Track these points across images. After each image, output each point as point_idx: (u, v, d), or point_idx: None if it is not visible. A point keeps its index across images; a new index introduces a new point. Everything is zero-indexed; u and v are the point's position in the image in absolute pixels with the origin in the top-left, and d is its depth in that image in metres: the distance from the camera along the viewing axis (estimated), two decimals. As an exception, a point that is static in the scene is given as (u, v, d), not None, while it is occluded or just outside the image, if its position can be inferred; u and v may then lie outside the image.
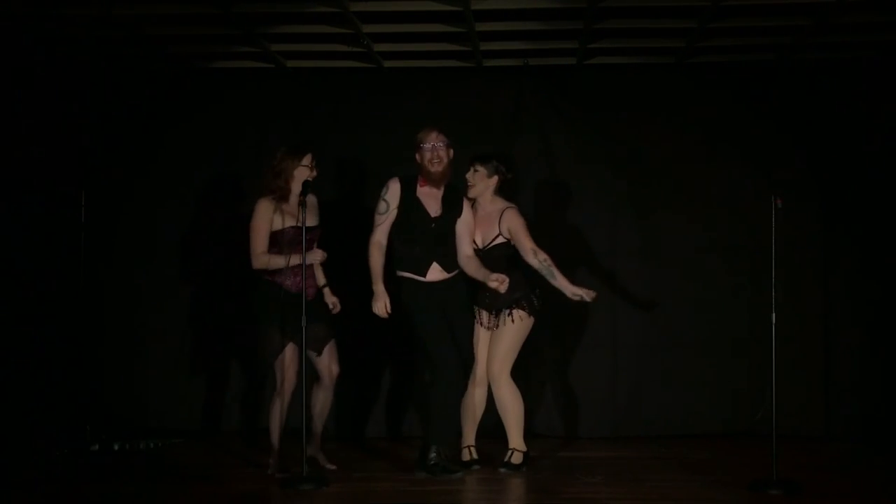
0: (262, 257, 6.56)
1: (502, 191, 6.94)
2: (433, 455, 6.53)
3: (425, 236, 6.63)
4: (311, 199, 6.62)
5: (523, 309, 6.79)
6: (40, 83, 7.85)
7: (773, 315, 6.16)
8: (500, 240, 6.81)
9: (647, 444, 7.75)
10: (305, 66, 8.24)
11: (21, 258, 7.61)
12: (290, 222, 6.55)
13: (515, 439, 6.84)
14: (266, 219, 6.56)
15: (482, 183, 6.84)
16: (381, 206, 6.68)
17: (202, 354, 8.29)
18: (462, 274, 6.75)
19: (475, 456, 6.90)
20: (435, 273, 6.66)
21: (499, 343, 6.79)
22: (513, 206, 6.86)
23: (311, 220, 6.60)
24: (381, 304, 6.62)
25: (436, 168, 6.61)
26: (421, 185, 6.68)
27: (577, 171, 8.28)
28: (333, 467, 6.80)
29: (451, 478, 6.48)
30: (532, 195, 8.23)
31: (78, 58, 8.02)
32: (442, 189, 6.69)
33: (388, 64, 8.21)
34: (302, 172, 6.60)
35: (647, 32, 7.65)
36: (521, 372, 7.32)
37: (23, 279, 7.61)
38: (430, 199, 6.68)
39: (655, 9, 7.18)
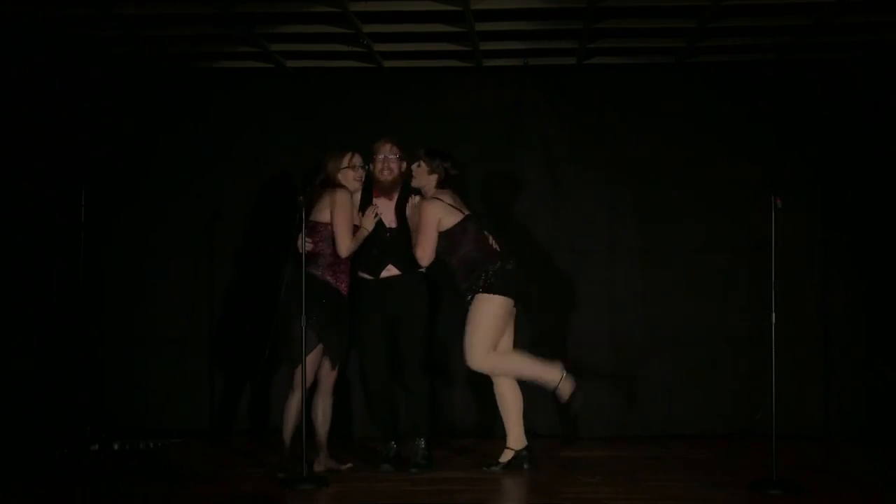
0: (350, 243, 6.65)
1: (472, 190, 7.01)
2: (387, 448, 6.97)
3: (382, 245, 6.81)
4: (358, 199, 6.81)
5: (476, 293, 6.77)
6: (40, 83, 7.85)
7: (773, 315, 6.17)
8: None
9: (647, 444, 7.75)
10: (305, 66, 8.23)
11: (21, 258, 7.61)
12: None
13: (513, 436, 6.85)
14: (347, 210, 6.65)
15: (422, 178, 6.89)
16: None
17: (203, 354, 8.28)
18: (422, 276, 6.89)
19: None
20: (390, 272, 6.85)
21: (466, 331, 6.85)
22: (432, 199, 6.79)
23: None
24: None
25: (385, 177, 6.84)
26: (375, 197, 6.89)
27: (577, 170, 8.27)
28: (350, 465, 6.86)
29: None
30: (532, 195, 8.24)
31: (78, 58, 8.02)
32: (395, 198, 6.89)
33: (388, 64, 8.21)
34: (346, 175, 6.72)
35: (647, 32, 7.65)
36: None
37: (23, 279, 7.61)
38: (385, 210, 6.88)
39: (655, 9, 7.17)
